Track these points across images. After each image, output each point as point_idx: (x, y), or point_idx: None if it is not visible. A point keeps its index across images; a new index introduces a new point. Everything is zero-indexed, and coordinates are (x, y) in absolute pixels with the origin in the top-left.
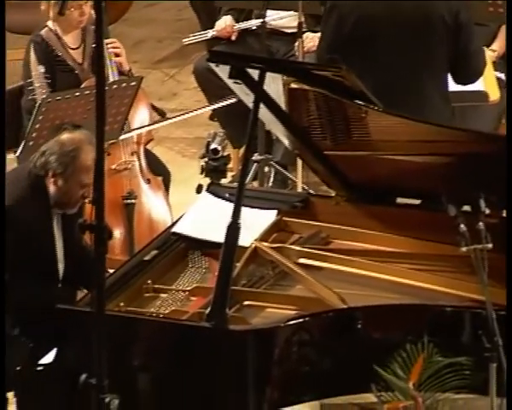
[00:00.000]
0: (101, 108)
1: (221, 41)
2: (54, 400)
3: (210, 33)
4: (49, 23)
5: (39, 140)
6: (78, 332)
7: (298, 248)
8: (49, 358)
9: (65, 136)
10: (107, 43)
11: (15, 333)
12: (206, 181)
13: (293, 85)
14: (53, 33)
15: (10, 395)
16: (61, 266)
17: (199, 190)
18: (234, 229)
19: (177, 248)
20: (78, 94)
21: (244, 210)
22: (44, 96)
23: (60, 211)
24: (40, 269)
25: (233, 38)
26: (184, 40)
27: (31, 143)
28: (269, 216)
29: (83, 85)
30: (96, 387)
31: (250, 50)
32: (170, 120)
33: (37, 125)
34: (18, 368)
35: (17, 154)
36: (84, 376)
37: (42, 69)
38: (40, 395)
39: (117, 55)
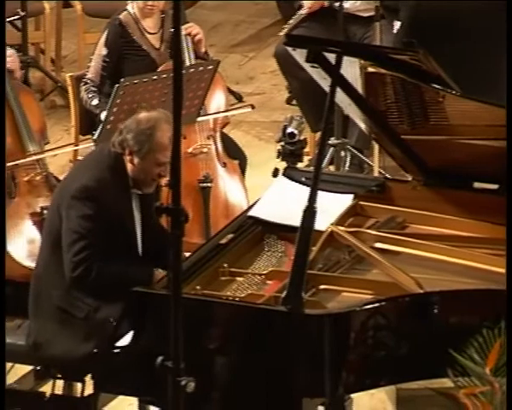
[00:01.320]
0: (178, 91)
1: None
2: (130, 382)
3: (303, 10)
4: (129, 7)
5: (117, 123)
6: (154, 315)
7: (374, 232)
8: (125, 340)
9: (142, 114)
10: (185, 28)
11: (92, 316)
12: (282, 165)
13: (371, 69)
14: (132, 17)
15: (88, 377)
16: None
17: (275, 173)
18: (310, 213)
19: (254, 232)
20: (155, 77)
21: (320, 194)
22: (90, 76)
23: (137, 191)
24: (122, 249)
25: (326, 3)
26: (284, 27)
27: (108, 126)
28: (345, 200)
29: (159, 69)
30: (173, 370)
31: (327, 34)
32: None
33: (115, 109)
34: (95, 351)
35: (95, 137)
36: (160, 359)
37: (104, 51)
38: (117, 378)
39: (195, 38)
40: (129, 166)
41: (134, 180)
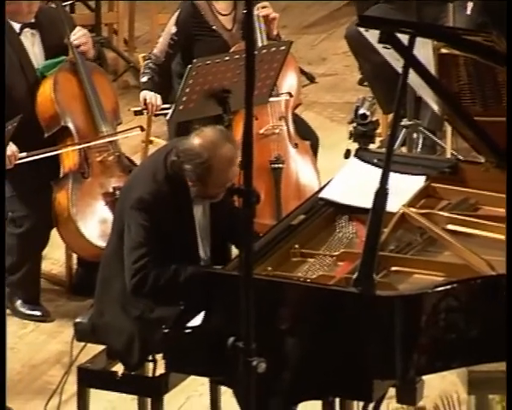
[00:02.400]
0: (250, 72)
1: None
2: (201, 362)
3: None
4: None
5: (189, 104)
6: (226, 296)
7: (446, 214)
8: (197, 321)
9: (197, 142)
10: (258, 8)
11: (147, 315)
12: (354, 146)
13: (444, 51)
14: None
15: (159, 356)
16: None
17: (347, 155)
18: (382, 194)
19: (325, 213)
20: (227, 58)
21: (392, 175)
22: (155, 51)
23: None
24: (181, 259)
25: None
26: None
27: (181, 106)
28: (417, 182)
29: (232, 50)
30: (244, 350)
31: (401, 15)
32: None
33: (187, 90)
34: (166, 330)
35: (167, 117)
36: (231, 339)
37: (173, 29)
38: (188, 358)
39: (268, 17)
40: (192, 188)
41: (197, 196)
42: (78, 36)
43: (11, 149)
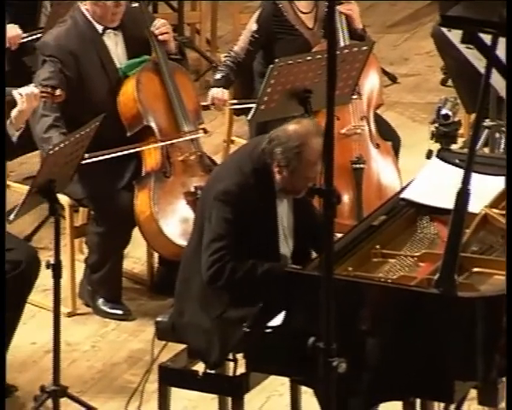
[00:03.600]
0: (332, 72)
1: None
2: (282, 362)
3: None
4: None
5: (270, 104)
6: (306, 296)
7: None
8: (277, 320)
9: (292, 127)
10: (339, 6)
11: (226, 316)
12: (436, 146)
13: None
14: None
15: (240, 356)
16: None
17: (429, 155)
18: (464, 195)
19: (406, 214)
20: (309, 58)
21: (474, 176)
22: (235, 48)
23: (285, 196)
24: (261, 253)
25: None
26: None
27: (262, 106)
28: (499, 183)
29: (314, 50)
30: (324, 350)
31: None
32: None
33: (269, 89)
34: (246, 330)
35: (248, 117)
36: (312, 339)
37: (254, 27)
38: (269, 358)
39: (349, 16)
40: (277, 176)
41: (281, 189)
42: (159, 25)
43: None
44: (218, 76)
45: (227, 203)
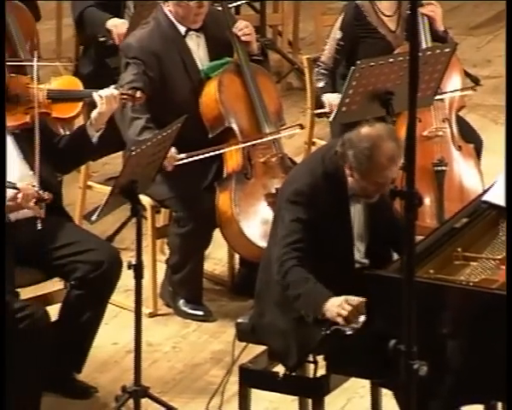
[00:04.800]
0: (414, 74)
1: None
2: (362, 364)
3: None
4: None
5: (352, 106)
6: (387, 298)
7: None
8: (358, 323)
9: (364, 130)
10: (422, 8)
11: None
12: None
13: None
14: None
15: (320, 357)
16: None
17: None
18: None
19: (488, 217)
20: (391, 60)
21: None
22: (323, 59)
23: (358, 199)
24: (333, 255)
25: None
26: None
27: (344, 108)
28: None
29: (396, 52)
30: (405, 353)
31: None
32: None
33: (351, 91)
34: (327, 332)
35: (330, 119)
36: (393, 342)
37: (339, 35)
38: (349, 360)
39: (431, 17)
40: (349, 180)
41: (354, 192)
42: (241, 27)
43: (170, 150)
44: (322, 83)
45: (298, 204)
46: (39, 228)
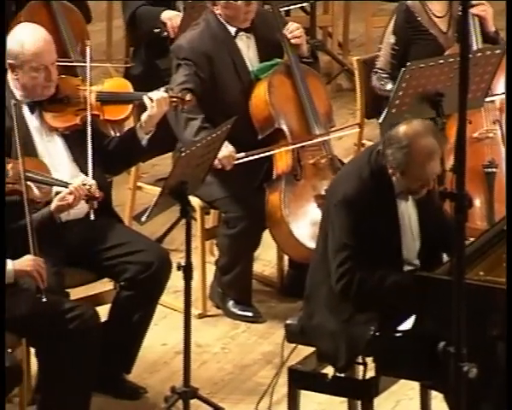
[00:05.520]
0: (464, 75)
1: None
2: (411, 367)
3: None
4: None
5: (402, 107)
6: (437, 300)
7: None
8: (407, 324)
9: (402, 128)
10: (472, 8)
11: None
12: None
13: None
14: (418, 1)
15: (369, 359)
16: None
17: None
18: None
19: None
20: (441, 61)
21: None
22: (380, 65)
23: (405, 197)
24: (384, 257)
25: None
26: None
27: (394, 110)
28: None
29: (446, 53)
30: (455, 355)
31: None
32: None
33: (401, 93)
34: (376, 334)
35: (380, 120)
36: (442, 344)
37: (392, 39)
38: (398, 362)
39: (482, 17)
40: (394, 179)
41: (401, 190)
42: (292, 29)
43: (228, 149)
44: (390, 86)
45: (347, 208)
46: (92, 219)
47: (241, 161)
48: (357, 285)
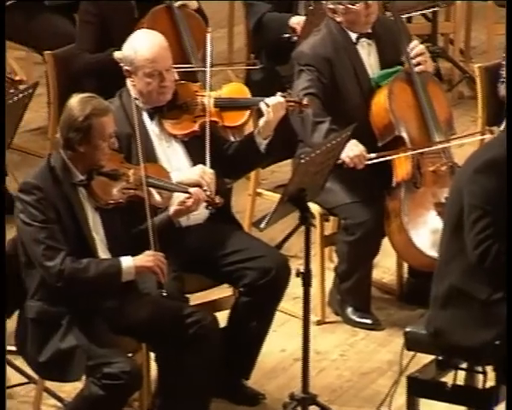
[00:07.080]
0: None
1: None
2: None
3: None
4: None
5: None
6: None
7: None
8: None
9: None
10: None
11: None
12: None
13: None
14: None
15: (489, 368)
16: None
17: None
18: None
19: None
20: None
21: None
22: None
23: None
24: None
25: None
26: None
27: None
28: None
29: None
30: None
31: None
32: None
33: None
34: (496, 342)
35: (501, 128)
36: None
37: None
38: None
39: None
40: None
41: None
42: (417, 52)
43: (359, 148)
44: None
45: (491, 173)
46: (212, 212)
47: (372, 161)
48: (495, 256)
